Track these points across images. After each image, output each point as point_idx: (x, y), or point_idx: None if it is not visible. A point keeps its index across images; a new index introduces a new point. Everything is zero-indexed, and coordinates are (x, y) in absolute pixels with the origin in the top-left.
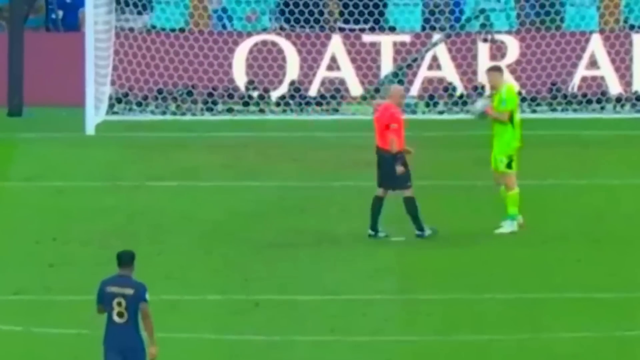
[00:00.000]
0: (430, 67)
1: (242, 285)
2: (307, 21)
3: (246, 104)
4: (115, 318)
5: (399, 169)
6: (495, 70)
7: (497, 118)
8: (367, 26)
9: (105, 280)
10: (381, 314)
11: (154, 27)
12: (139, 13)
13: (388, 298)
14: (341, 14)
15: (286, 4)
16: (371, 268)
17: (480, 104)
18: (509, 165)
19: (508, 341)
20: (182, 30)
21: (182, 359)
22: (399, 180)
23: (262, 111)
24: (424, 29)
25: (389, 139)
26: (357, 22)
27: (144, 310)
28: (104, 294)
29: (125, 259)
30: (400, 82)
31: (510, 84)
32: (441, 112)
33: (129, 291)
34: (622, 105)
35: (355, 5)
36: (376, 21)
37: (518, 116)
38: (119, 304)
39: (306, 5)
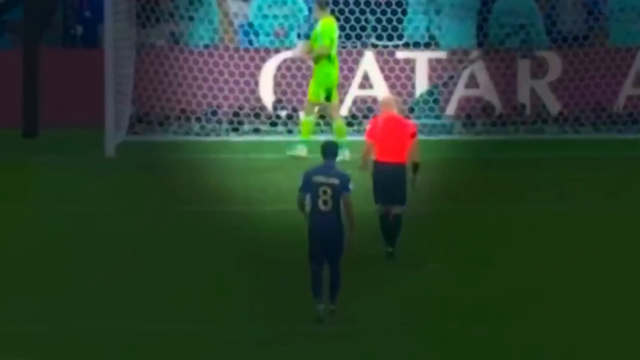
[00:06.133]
0: (467, 86)
1: (268, 315)
2: (338, 36)
3: (274, 124)
4: (320, 206)
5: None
6: (317, 3)
7: (317, 54)
8: (401, 42)
9: (311, 171)
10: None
11: (176, 43)
12: (161, 28)
13: (420, 329)
14: (374, 29)
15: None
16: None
17: (298, 49)
18: (327, 98)
19: None
20: (206, 46)
21: None
22: (405, 195)
23: (290, 132)
24: (480, 44)
25: (414, 149)
26: (390, 38)
27: (347, 199)
28: (311, 183)
29: (331, 150)
30: (436, 101)
31: (328, 18)
32: (479, 133)
33: (335, 181)
34: None
35: (389, 20)
36: (411, 37)
37: (334, 51)
38: (325, 192)
39: (337, 19)
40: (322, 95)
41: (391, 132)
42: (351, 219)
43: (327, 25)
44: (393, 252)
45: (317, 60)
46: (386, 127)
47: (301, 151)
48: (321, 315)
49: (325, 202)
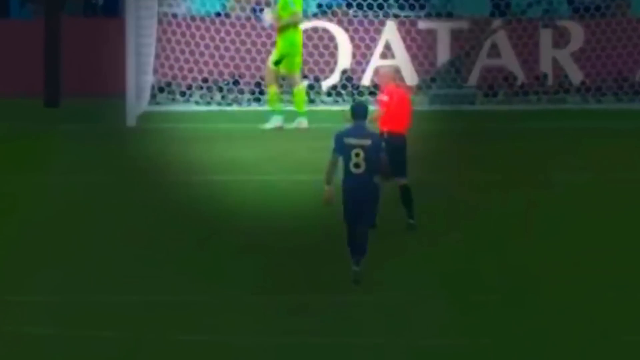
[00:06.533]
0: (489, 55)
1: (290, 285)
2: (360, 6)
3: None
4: (352, 168)
5: None
6: None
7: (291, 22)
8: (423, 12)
9: (342, 133)
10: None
11: (198, 12)
12: None
13: (442, 298)
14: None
15: None
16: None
17: (267, 18)
18: (277, 63)
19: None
20: (227, 15)
21: None
22: (405, 166)
23: (312, 101)
24: (492, 14)
25: (408, 122)
26: (412, 8)
27: (381, 159)
28: (343, 145)
29: (361, 111)
30: (458, 71)
31: None
32: (500, 103)
33: (367, 142)
34: None
35: None
36: (434, 7)
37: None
38: (357, 154)
39: None
40: (273, 60)
41: (404, 105)
42: (385, 179)
43: None
44: (414, 224)
45: (284, 28)
46: (397, 100)
47: (301, 123)
48: (358, 277)
49: (357, 165)
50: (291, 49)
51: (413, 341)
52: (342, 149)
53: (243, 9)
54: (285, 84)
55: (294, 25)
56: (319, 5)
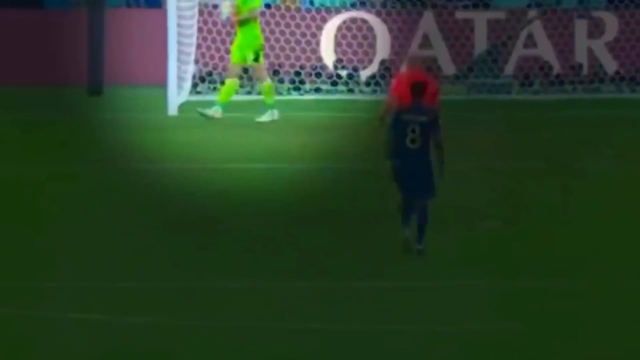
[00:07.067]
0: (525, 45)
1: (326, 272)
2: None
3: (334, 83)
4: (409, 144)
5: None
6: None
7: (249, 17)
8: (460, 3)
9: (400, 109)
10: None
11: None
12: None
13: (475, 285)
14: None
15: None
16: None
17: (225, 11)
18: (256, 59)
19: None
20: (268, 6)
21: (271, 349)
22: None
23: (351, 91)
24: (528, 5)
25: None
26: None
27: (438, 135)
28: (399, 121)
29: (419, 89)
30: (494, 60)
31: None
32: (537, 92)
33: (423, 119)
34: None
35: None
36: None
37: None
38: (413, 130)
39: None
40: (251, 57)
41: (402, 88)
42: (441, 156)
43: None
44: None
45: (244, 22)
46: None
47: (216, 112)
48: (407, 242)
49: (413, 140)
50: (255, 42)
51: (452, 327)
52: (398, 125)
53: (293, 1)
54: (247, 76)
55: (254, 19)
56: None
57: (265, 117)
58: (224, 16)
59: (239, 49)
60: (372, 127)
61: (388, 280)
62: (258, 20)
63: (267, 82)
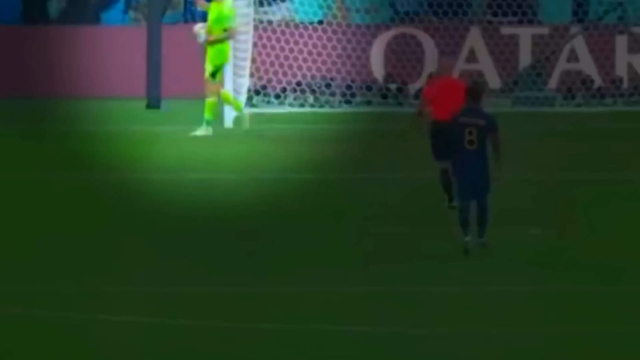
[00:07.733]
0: (568, 60)
1: (370, 276)
2: (445, 13)
3: (384, 96)
4: (466, 145)
5: None
6: None
7: (229, 37)
8: (516, 19)
9: (458, 113)
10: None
11: (292, 19)
12: (278, 6)
13: (520, 288)
14: (489, 6)
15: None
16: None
17: (202, 36)
18: (213, 75)
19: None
20: (320, 22)
21: (307, 351)
22: None
23: (400, 104)
24: (577, 20)
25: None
26: (505, 14)
27: (496, 138)
28: (457, 124)
29: (477, 93)
30: (539, 74)
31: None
32: (579, 105)
33: (481, 122)
34: None
35: None
36: (524, 14)
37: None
38: (470, 132)
39: None
40: (209, 70)
41: (447, 92)
42: (498, 157)
43: (229, 6)
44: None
45: (216, 41)
46: (443, 87)
47: (207, 131)
48: (469, 246)
49: (471, 142)
50: (222, 58)
51: (500, 330)
52: (455, 126)
53: (335, 17)
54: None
55: (229, 39)
56: (397, 12)
57: (199, 132)
58: (201, 39)
59: (207, 64)
60: (411, 119)
61: (439, 286)
62: (229, 41)
63: (213, 99)
